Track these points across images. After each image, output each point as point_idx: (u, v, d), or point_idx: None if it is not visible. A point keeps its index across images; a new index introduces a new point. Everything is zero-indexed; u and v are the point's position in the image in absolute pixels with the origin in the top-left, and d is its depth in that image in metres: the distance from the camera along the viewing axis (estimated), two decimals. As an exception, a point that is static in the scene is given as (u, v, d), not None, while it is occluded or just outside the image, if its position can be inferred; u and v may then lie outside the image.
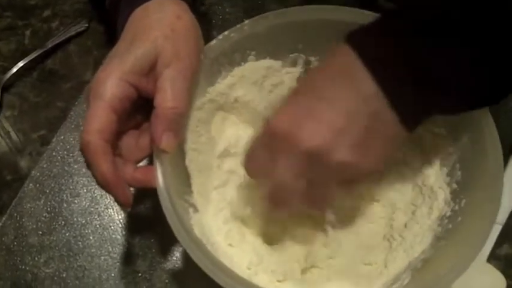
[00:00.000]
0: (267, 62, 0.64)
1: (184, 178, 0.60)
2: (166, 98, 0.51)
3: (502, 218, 0.66)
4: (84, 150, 0.50)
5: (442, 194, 0.59)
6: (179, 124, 0.54)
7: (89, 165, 0.51)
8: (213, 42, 0.60)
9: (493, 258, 0.65)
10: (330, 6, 0.60)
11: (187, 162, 0.60)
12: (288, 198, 0.53)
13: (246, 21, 0.61)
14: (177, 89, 0.52)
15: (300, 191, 0.52)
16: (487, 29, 0.44)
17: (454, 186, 0.58)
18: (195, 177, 0.60)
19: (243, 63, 0.63)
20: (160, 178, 0.53)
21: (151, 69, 0.52)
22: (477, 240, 0.51)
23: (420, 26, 0.45)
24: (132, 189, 0.54)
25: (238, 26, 0.61)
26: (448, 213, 0.57)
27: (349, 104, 0.47)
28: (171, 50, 0.52)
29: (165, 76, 0.52)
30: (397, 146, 0.51)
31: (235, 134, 0.66)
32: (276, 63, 0.65)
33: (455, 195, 0.57)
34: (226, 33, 0.61)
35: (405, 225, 0.61)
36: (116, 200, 0.52)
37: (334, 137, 0.48)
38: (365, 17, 0.57)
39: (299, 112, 0.49)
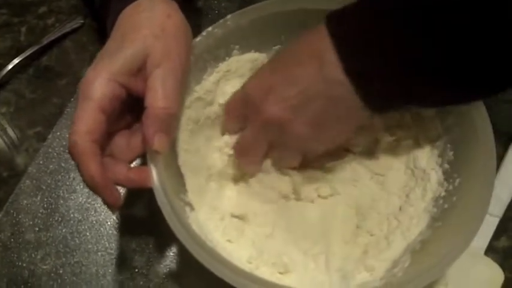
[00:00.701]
0: (251, 55, 0.64)
1: (178, 177, 0.59)
2: (157, 98, 0.51)
3: (499, 210, 0.66)
4: (71, 151, 0.49)
5: (435, 176, 0.59)
6: (171, 124, 0.53)
7: (77, 167, 0.50)
8: (198, 38, 0.60)
9: (490, 251, 0.65)
10: None
11: (180, 162, 0.59)
12: (250, 151, 0.60)
13: (229, 16, 0.61)
14: (168, 89, 0.52)
15: (261, 148, 0.59)
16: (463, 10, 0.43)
17: (446, 166, 0.58)
18: (188, 177, 0.60)
19: (227, 58, 0.63)
20: (155, 178, 0.53)
21: (140, 69, 0.52)
22: (474, 218, 0.52)
23: (400, 12, 0.45)
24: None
25: (221, 21, 0.61)
26: (443, 194, 0.57)
27: (313, 84, 0.51)
28: (161, 50, 0.52)
29: (155, 76, 0.52)
30: (357, 127, 0.56)
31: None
32: (260, 56, 0.65)
33: (448, 176, 0.58)
34: (209, 29, 0.61)
35: (400, 208, 0.61)
36: (104, 202, 0.52)
37: (290, 113, 0.53)
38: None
39: (267, 84, 0.54)
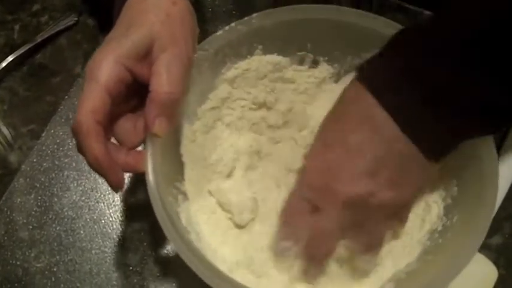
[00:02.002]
0: (274, 58, 0.64)
1: (177, 165, 0.60)
2: (162, 82, 0.51)
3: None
4: (76, 131, 0.49)
5: (436, 209, 0.58)
6: (173, 109, 0.53)
7: (80, 147, 0.50)
8: (219, 32, 0.60)
9: (484, 248, 0.65)
10: (342, 8, 0.60)
11: (182, 150, 0.60)
12: (329, 247, 0.55)
13: (254, 14, 0.60)
14: (173, 74, 0.52)
15: (336, 238, 0.55)
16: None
17: (449, 201, 0.58)
18: (188, 166, 0.60)
19: (249, 57, 0.63)
20: (149, 162, 0.53)
21: (147, 54, 0.52)
22: (463, 257, 0.51)
23: (430, 56, 0.47)
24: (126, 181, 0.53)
25: (246, 18, 0.60)
26: (439, 228, 0.57)
27: (376, 149, 0.50)
28: (168, 35, 0.52)
29: (161, 61, 0.52)
30: (430, 175, 0.54)
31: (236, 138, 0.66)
32: (283, 60, 0.64)
33: (448, 211, 0.57)
34: (233, 24, 0.60)
35: (393, 235, 0.60)
36: (108, 182, 0.52)
37: (370, 182, 0.51)
38: (378, 23, 0.58)
39: (331, 164, 0.52)
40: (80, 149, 0.50)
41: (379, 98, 0.49)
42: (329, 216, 0.53)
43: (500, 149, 0.69)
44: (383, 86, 0.49)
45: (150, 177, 0.53)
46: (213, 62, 0.60)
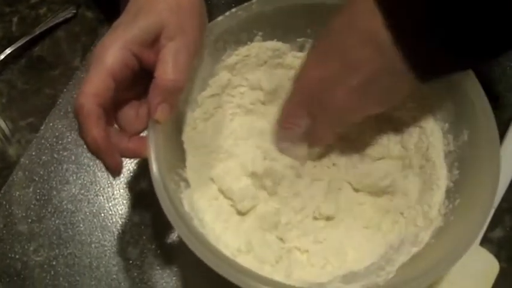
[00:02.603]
0: (274, 44, 0.64)
1: (179, 152, 0.60)
2: (168, 69, 0.51)
3: (494, 201, 0.66)
4: (77, 112, 0.49)
5: (439, 191, 0.58)
6: (176, 97, 0.54)
7: (80, 129, 0.50)
8: (219, 18, 0.60)
9: (486, 241, 0.65)
10: None
11: (183, 137, 0.60)
12: (322, 141, 0.62)
13: (254, 0, 0.60)
14: (179, 62, 0.52)
15: (332, 137, 0.62)
16: None
17: (450, 184, 0.58)
18: (190, 153, 0.60)
19: (249, 43, 0.63)
20: (152, 148, 0.53)
21: (154, 42, 0.52)
22: (465, 243, 0.51)
23: None
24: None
25: (245, 4, 0.60)
26: (443, 211, 0.57)
27: (374, 68, 0.51)
28: (176, 24, 0.52)
29: (168, 48, 0.52)
30: (411, 89, 0.55)
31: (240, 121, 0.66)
32: (283, 46, 0.64)
33: (450, 194, 0.57)
34: (233, 10, 0.60)
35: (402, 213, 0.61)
36: (106, 166, 0.52)
37: (361, 101, 0.55)
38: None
39: (327, 74, 0.54)
40: (80, 132, 0.50)
41: (387, 17, 0.48)
42: (321, 121, 0.58)
43: (501, 140, 0.69)
44: (392, 5, 0.48)
45: (153, 163, 0.53)
46: (214, 49, 0.60)
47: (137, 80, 0.54)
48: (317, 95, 0.56)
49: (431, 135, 0.61)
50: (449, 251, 0.51)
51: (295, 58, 0.65)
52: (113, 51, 0.50)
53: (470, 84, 0.56)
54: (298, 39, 0.64)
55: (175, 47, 0.52)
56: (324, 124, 0.59)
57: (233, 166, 0.64)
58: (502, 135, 0.69)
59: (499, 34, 0.46)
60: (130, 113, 0.55)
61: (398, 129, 0.63)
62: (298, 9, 0.61)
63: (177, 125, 0.60)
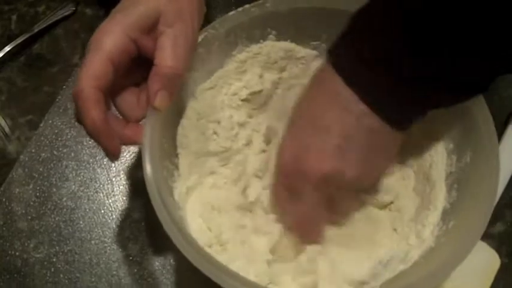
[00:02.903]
0: (287, 44, 0.63)
1: (175, 141, 0.60)
2: (167, 56, 0.52)
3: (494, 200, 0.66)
4: (76, 96, 0.49)
5: (436, 212, 0.58)
6: (175, 84, 0.53)
7: (78, 113, 0.50)
8: (231, 13, 0.60)
9: (486, 236, 0.65)
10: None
11: (180, 126, 0.60)
12: (312, 222, 0.58)
13: None
14: (178, 49, 0.52)
15: (323, 215, 0.57)
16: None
17: (447, 206, 0.57)
18: (184, 144, 0.60)
19: (262, 41, 0.62)
20: (147, 135, 0.53)
21: (152, 28, 0.52)
22: (449, 266, 0.51)
23: (379, 34, 0.47)
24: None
25: (260, 1, 0.60)
26: (436, 233, 0.57)
27: (344, 126, 0.50)
28: (174, 11, 0.52)
29: (166, 35, 0.52)
30: (398, 144, 0.54)
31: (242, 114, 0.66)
32: (296, 47, 0.64)
33: (445, 216, 0.57)
34: (247, 6, 0.60)
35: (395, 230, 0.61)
36: (104, 150, 0.52)
37: (339, 160, 0.51)
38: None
39: (300, 146, 0.53)
40: (79, 116, 0.50)
41: (344, 76, 0.49)
42: (307, 199, 0.54)
43: (501, 137, 0.69)
44: (346, 64, 0.49)
45: (146, 150, 0.53)
46: (224, 43, 0.60)
47: (136, 67, 0.54)
48: (297, 169, 0.53)
49: (435, 154, 0.60)
50: (435, 271, 0.51)
51: (305, 60, 0.65)
52: (112, 36, 0.50)
53: (479, 108, 0.55)
54: (312, 43, 0.64)
55: (174, 34, 0.52)
56: (310, 202, 0.55)
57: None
58: (501, 132, 0.69)
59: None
60: (130, 99, 0.55)
61: (404, 147, 0.63)
62: (314, 12, 0.60)
63: (178, 113, 0.60)
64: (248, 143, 0.65)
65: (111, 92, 0.53)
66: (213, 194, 0.62)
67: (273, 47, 0.63)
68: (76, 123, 0.69)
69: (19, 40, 0.77)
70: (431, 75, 0.46)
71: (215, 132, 0.63)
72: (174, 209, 0.54)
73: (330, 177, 0.51)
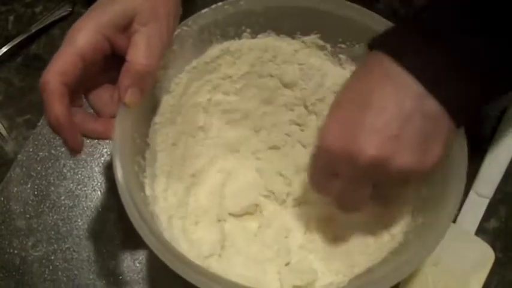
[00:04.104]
0: (262, 42, 0.63)
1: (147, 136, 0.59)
2: (139, 54, 0.52)
3: (489, 192, 0.67)
4: (42, 89, 0.49)
5: (406, 209, 0.58)
6: (146, 82, 0.53)
7: (44, 106, 0.50)
8: (204, 10, 0.60)
9: (481, 231, 0.66)
10: None
11: (156, 119, 0.60)
12: (354, 201, 0.54)
13: None
14: (152, 47, 0.52)
15: (366, 196, 0.53)
16: None
17: (418, 204, 0.57)
18: (155, 143, 0.60)
19: (237, 39, 0.62)
20: (117, 130, 0.53)
21: (127, 27, 0.52)
22: (413, 263, 0.51)
23: (447, 18, 0.47)
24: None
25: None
26: (405, 229, 0.57)
27: (402, 108, 0.47)
28: (149, 10, 0.52)
29: (140, 33, 0.52)
30: (450, 144, 0.51)
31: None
32: (271, 44, 0.64)
33: (415, 213, 0.57)
34: (220, 4, 0.60)
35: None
36: (66, 144, 0.52)
37: (391, 144, 0.47)
38: (372, 17, 0.58)
39: (349, 125, 0.49)
40: (44, 108, 0.50)
41: (402, 61, 0.47)
42: (351, 180, 0.51)
43: (495, 131, 0.69)
44: (404, 49, 0.48)
45: (115, 145, 0.53)
46: (198, 40, 0.60)
47: (111, 65, 0.54)
48: (346, 152, 0.49)
49: None
50: (399, 267, 0.51)
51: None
52: (85, 32, 0.50)
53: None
54: (287, 39, 0.63)
55: (148, 33, 0.52)
56: (355, 184, 0.52)
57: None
58: (494, 128, 0.70)
59: None
60: (104, 95, 0.55)
61: None
62: (288, 10, 0.60)
63: (151, 109, 0.59)
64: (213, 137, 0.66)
65: (86, 88, 0.54)
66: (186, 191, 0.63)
67: (247, 44, 0.63)
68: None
69: (16, 40, 0.77)
70: (490, 58, 0.46)
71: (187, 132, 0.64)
72: (144, 204, 0.54)
73: (379, 162, 0.48)
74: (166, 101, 0.60)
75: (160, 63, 0.54)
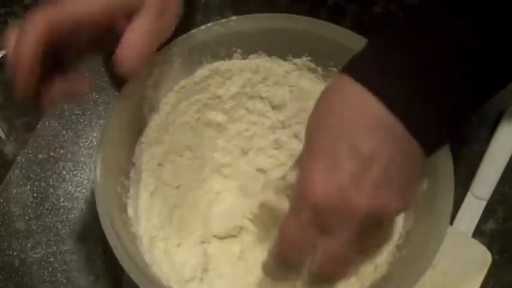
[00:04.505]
0: (253, 62, 0.62)
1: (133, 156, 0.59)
2: (136, 35, 0.50)
3: (486, 194, 0.67)
4: (22, 30, 0.47)
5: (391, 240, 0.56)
6: (140, 65, 0.51)
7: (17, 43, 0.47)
8: (194, 31, 0.59)
9: (478, 234, 0.66)
10: (321, 22, 0.59)
11: (138, 145, 0.59)
12: (343, 267, 0.50)
13: (233, 17, 0.59)
14: (148, 35, 0.51)
15: (353, 259, 0.50)
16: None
17: (403, 233, 0.56)
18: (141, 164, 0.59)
19: (227, 59, 0.62)
20: (102, 150, 0.53)
21: (130, 14, 0.51)
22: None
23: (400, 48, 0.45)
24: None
25: (223, 20, 0.59)
26: (389, 260, 0.55)
27: (390, 155, 0.45)
28: (155, 4, 0.51)
29: (138, 21, 0.51)
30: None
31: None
32: (261, 65, 0.63)
33: (399, 243, 0.56)
34: (209, 24, 0.59)
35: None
36: (18, 87, 0.49)
37: (387, 192, 0.45)
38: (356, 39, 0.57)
39: (344, 181, 0.45)
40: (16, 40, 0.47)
41: (381, 96, 0.44)
42: (343, 238, 0.47)
43: (492, 133, 0.70)
44: (383, 84, 0.45)
45: (97, 168, 0.52)
46: (187, 60, 0.60)
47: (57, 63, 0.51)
48: (337, 206, 0.45)
49: None
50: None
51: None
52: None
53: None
54: (278, 61, 0.63)
55: (145, 22, 0.51)
56: (346, 239, 0.47)
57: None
58: (492, 131, 0.70)
59: None
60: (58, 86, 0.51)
61: None
62: (278, 32, 0.60)
63: (137, 129, 0.59)
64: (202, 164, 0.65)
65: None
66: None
67: (238, 64, 0.62)
68: (73, 124, 0.70)
69: (15, 43, 0.77)
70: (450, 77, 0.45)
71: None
72: (126, 226, 0.53)
73: (377, 212, 0.46)
74: (154, 121, 0.59)
75: (151, 53, 0.53)
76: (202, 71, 0.61)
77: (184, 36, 0.59)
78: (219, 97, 0.63)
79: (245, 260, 0.62)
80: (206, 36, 0.59)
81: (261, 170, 0.66)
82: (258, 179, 0.66)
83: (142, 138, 0.59)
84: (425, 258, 0.51)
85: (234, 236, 0.63)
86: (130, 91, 0.56)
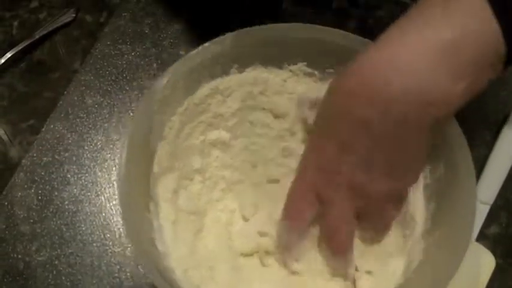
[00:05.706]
0: (251, 74, 0.62)
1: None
2: None
3: (490, 198, 0.67)
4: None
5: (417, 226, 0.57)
6: None
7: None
8: (192, 52, 0.58)
9: (481, 238, 0.66)
10: (317, 27, 0.59)
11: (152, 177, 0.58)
12: (346, 236, 0.54)
13: (228, 34, 0.59)
14: None
15: (355, 225, 0.54)
16: None
17: (428, 218, 0.56)
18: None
19: (224, 76, 0.61)
20: (122, 193, 0.52)
21: None
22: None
23: None
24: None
25: (218, 38, 0.59)
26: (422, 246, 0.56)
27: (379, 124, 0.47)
28: None
29: None
30: (427, 150, 0.51)
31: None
32: (259, 77, 0.63)
33: (426, 229, 0.56)
34: (206, 44, 0.59)
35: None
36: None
37: (368, 167, 0.49)
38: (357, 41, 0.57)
39: (341, 140, 0.50)
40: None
41: None
42: (337, 208, 0.52)
43: (496, 137, 0.70)
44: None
45: (124, 215, 0.51)
46: (188, 81, 0.59)
47: None
48: (335, 168, 0.51)
49: None
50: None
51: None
52: None
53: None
54: (274, 70, 0.63)
55: None
56: (340, 211, 0.53)
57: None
58: (496, 134, 0.71)
59: None
60: None
61: None
62: (274, 42, 0.60)
63: (148, 159, 0.58)
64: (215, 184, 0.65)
65: None
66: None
67: (236, 79, 0.62)
68: (77, 127, 0.71)
69: (20, 46, 0.78)
70: None
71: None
72: (159, 261, 0.53)
73: (359, 185, 0.50)
74: (162, 148, 0.59)
75: None
76: (202, 91, 0.61)
77: (182, 58, 0.58)
78: (221, 115, 0.63)
79: (276, 269, 0.61)
80: (202, 57, 0.59)
81: (274, 181, 0.65)
82: (271, 190, 0.65)
83: (154, 169, 0.58)
84: (464, 234, 0.52)
85: (257, 252, 0.62)
86: (139, 123, 0.56)
